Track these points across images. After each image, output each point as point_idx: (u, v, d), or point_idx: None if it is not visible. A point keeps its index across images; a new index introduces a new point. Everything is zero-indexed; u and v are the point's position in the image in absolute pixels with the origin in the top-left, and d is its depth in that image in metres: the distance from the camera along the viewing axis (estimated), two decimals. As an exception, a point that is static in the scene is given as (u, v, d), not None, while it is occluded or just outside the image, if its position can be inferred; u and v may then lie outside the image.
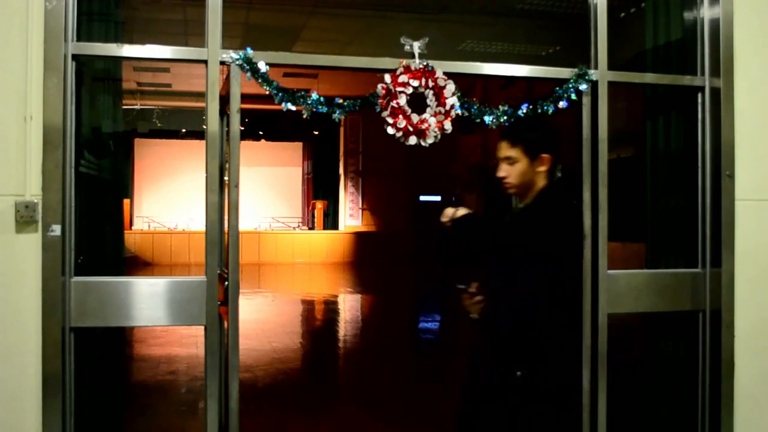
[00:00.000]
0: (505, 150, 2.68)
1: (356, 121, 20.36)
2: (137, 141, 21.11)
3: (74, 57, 2.88)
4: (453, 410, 4.98)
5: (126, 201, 18.32)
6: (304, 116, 3.11)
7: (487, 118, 3.25)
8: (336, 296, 12.81)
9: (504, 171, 2.70)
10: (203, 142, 3.01)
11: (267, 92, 3.02)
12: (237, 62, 2.99)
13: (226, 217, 3.06)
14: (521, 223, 2.73)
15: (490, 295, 2.64)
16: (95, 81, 3.10)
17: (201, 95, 3.09)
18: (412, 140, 3.08)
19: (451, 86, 3.13)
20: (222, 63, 3.00)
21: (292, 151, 23.89)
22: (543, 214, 2.67)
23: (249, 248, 18.38)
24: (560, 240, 2.63)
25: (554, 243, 2.60)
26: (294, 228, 22.62)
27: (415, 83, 3.08)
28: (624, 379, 3.66)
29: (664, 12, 3.58)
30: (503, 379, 2.56)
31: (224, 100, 3.07)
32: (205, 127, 3.01)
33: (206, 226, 3.01)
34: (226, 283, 3.03)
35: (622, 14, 4.14)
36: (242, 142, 3.05)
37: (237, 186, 2.99)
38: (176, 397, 5.47)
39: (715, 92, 3.44)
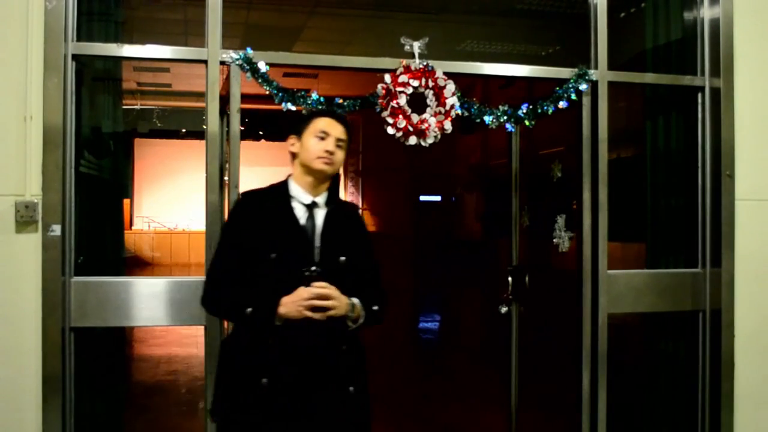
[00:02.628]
0: (342, 133, 2.40)
1: (356, 121, 20.33)
2: (137, 141, 21.05)
3: (74, 57, 2.89)
4: (452, 410, 4.99)
5: (126, 201, 18.31)
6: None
7: (487, 118, 3.25)
8: (336, 296, 12.78)
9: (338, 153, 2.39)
10: (203, 142, 3.01)
11: (267, 92, 3.03)
12: (237, 62, 2.99)
13: (226, 217, 3.06)
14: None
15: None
16: (95, 81, 3.10)
17: (201, 95, 3.10)
18: (412, 140, 3.08)
19: (451, 86, 3.13)
20: (222, 63, 3.00)
21: (293, 151, 23.87)
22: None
23: (249, 248, 18.35)
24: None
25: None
26: (294, 228, 22.57)
27: (415, 83, 3.08)
28: (624, 379, 3.66)
29: (664, 12, 3.58)
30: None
31: (224, 100, 3.07)
32: (205, 127, 3.01)
33: (206, 226, 3.01)
34: (226, 283, 3.03)
35: (622, 14, 4.13)
36: (242, 142, 3.05)
37: (237, 186, 3.00)
38: (176, 397, 5.47)
39: (715, 92, 3.44)
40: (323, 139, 2.35)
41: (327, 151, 2.34)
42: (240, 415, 2.23)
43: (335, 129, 2.38)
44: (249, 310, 2.21)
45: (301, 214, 2.36)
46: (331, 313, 2.22)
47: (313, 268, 2.24)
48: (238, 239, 2.32)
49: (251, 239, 2.29)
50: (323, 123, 2.38)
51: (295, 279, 2.22)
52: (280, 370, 2.22)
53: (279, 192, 2.40)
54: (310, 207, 2.37)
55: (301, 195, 2.37)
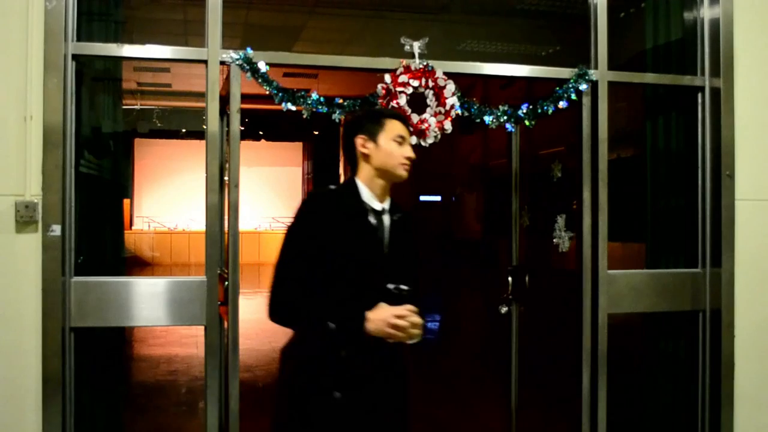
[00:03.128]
0: (406, 131, 2.30)
1: (356, 121, 20.32)
2: (137, 141, 21.08)
3: (74, 57, 2.89)
4: (452, 411, 4.99)
5: (126, 201, 18.31)
6: (304, 116, 3.11)
7: (487, 118, 3.25)
8: (336, 296, 12.79)
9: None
10: (203, 142, 3.01)
11: (267, 92, 3.03)
12: (237, 62, 2.99)
13: (226, 217, 3.07)
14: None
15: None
16: (95, 81, 3.10)
17: (201, 95, 3.10)
18: (412, 140, 3.08)
19: (451, 86, 3.14)
20: (222, 63, 3.00)
21: (292, 151, 23.88)
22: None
23: (249, 248, 18.36)
24: None
25: None
26: (294, 228, 22.57)
27: (415, 83, 3.08)
28: (624, 379, 3.66)
29: (664, 12, 3.58)
30: None
31: (224, 100, 3.07)
32: (205, 127, 3.01)
33: (206, 226, 3.01)
34: (226, 283, 3.03)
35: (622, 14, 4.13)
36: (242, 142, 3.05)
37: (237, 186, 3.00)
38: (176, 397, 5.47)
39: (715, 92, 3.44)
40: (401, 144, 2.23)
41: (408, 158, 2.23)
42: (310, 429, 2.13)
43: (407, 133, 2.28)
44: (333, 325, 2.07)
45: (372, 221, 2.22)
46: (414, 340, 2.10)
47: (403, 287, 2.14)
48: (309, 245, 2.13)
49: (323, 246, 2.12)
50: (400, 127, 2.26)
51: (374, 293, 2.12)
52: (353, 384, 2.12)
53: (350, 195, 2.22)
54: (380, 214, 2.24)
55: (372, 201, 2.23)
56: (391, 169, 2.22)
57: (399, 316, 2.06)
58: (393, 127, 2.24)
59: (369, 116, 2.31)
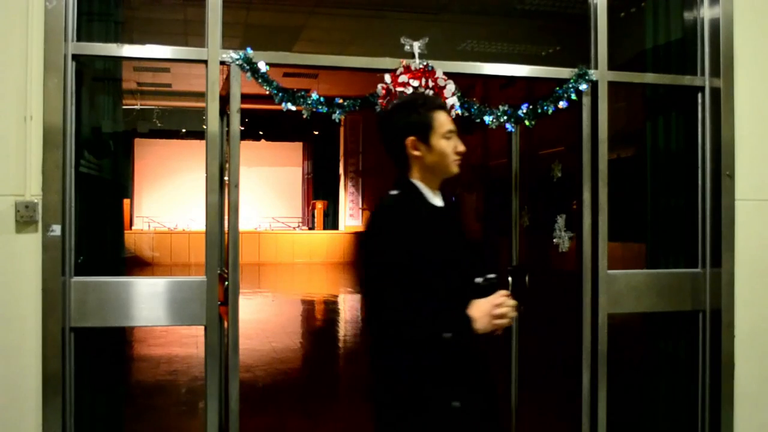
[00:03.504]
0: (452, 122, 2.22)
1: (356, 121, 20.35)
2: (137, 141, 21.10)
3: (74, 57, 2.88)
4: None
5: (126, 201, 18.31)
6: (304, 116, 3.11)
7: (487, 118, 3.25)
8: (336, 296, 12.80)
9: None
10: (203, 142, 3.01)
11: (267, 92, 3.03)
12: (237, 62, 2.99)
13: (226, 217, 3.07)
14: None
15: None
16: (95, 81, 3.10)
17: (201, 95, 3.10)
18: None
19: (451, 86, 3.14)
20: (222, 63, 3.00)
21: (292, 151, 23.90)
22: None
23: (249, 248, 18.38)
24: None
25: None
26: (294, 228, 22.61)
27: (415, 83, 3.08)
28: (624, 379, 3.66)
29: (664, 12, 3.58)
30: None
31: (224, 100, 3.07)
32: (205, 127, 3.01)
33: (206, 226, 3.01)
34: (226, 283, 3.03)
35: (622, 14, 4.14)
36: (242, 142, 3.05)
37: (237, 186, 3.00)
38: (176, 397, 5.47)
39: (715, 92, 3.44)
40: (450, 139, 2.14)
41: (459, 153, 2.15)
42: None
43: (453, 123, 2.19)
44: (448, 335, 2.01)
45: (444, 219, 2.17)
46: (511, 321, 2.05)
47: (490, 276, 2.10)
48: (407, 256, 2.02)
49: (419, 254, 2.03)
50: (447, 120, 2.16)
51: (465, 290, 2.07)
52: (470, 392, 2.07)
53: (419, 198, 2.15)
54: (443, 210, 2.19)
55: (433, 199, 2.17)
56: (445, 168, 2.16)
57: (498, 305, 2.02)
58: (442, 123, 2.14)
59: (412, 111, 2.17)
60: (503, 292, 2.04)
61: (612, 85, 3.38)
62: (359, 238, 2.19)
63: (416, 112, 2.16)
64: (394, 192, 2.15)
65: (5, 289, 2.76)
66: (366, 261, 2.07)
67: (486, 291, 2.07)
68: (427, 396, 2.04)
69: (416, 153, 2.13)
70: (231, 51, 3.00)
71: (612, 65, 3.40)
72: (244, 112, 3.03)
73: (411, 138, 2.13)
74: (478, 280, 2.10)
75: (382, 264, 2.03)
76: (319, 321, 10.22)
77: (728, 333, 3.38)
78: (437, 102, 2.23)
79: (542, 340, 4.58)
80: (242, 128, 3.08)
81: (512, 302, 2.04)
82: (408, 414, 2.04)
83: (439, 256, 2.07)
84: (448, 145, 2.14)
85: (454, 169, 2.17)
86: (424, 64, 3.12)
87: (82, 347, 2.91)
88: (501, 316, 2.01)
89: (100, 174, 3.10)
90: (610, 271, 3.34)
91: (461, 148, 2.16)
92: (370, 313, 2.09)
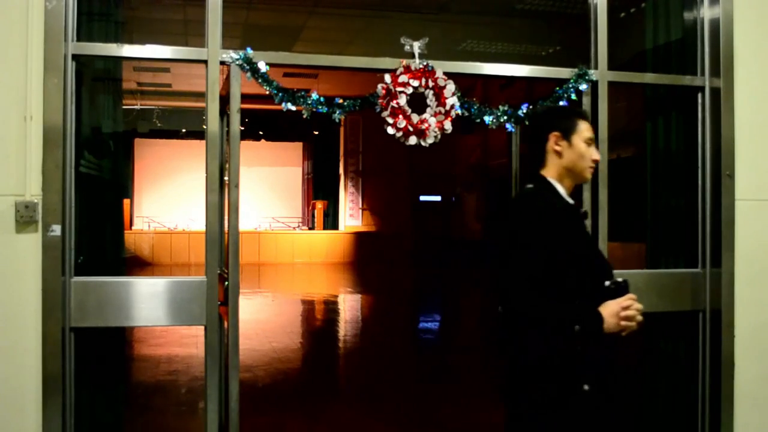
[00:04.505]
0: (593, 133, 2.34)
1: (356, 121, 20.36)
2: (137, 141, 21.12)
3: (74, 57, 2.88)
4: (452, 411, 5.00)
5: (126, 201, 18.32)
6: (304, 116, 3.11)
7: (487, 118, 3.25)
8: (336, 296, 12.80)
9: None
10: (203, 142, 3.01)
11: (267, 92, 3.03)
12: (237, 62, 2.99)
13: (226, 217, 3.07)
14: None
15: None
16: (95, 81, 3.10)
17: (201, 95, 3.10)
18: (412, 140, 3.08)
19: (451, 86, 3.14)
20: (222, 63, 3.00)
21: (292, 151, 23.90)
22: None
23: (249, 248, 18.38)
24: None
25: None
26: (294, 228, 22.62)
27: (415, 83, 3.08)
28: (624, 379, 3.66)
29: (664, 12, 3.58)
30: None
31: (224, 100, 3.07)
32: (205, 127, 3.01)
33: (206, 226, 3.01)
34: (226, 283, 3.03)
35: (622, 14, 4.14)
36: (242, 142, 3.05)
37: (237, 186, 2.99)
38: (176, 397, 5.47)
39: (715, 92, 3.44)
40: (589, 146, 2.28)
41: (594, 161, 2.29)
42: (560, 424, 2.14)
43: (593, 135, 2.33)
44: (577, 327, 2.10)
45: (580, 218, 2.30)
46: (637, 324, 2.15)
47: (619, 279, 2.17)
48: (547, 245, 2.12)
49: (559, 246, 2.13)
50: (589, 129, 2.30)
51: (595, 289, 2.16)
52: (599, 376, 2.16)
53: (553, 192, 2.25)
54: (578, 210, 2.32)
55: (568, 199, 2.28)
56: (580, 171, 2.28)
57: (626, 307, 2.11)
58: (584, 129, 2.29)
59: (562, 113, 2.40)
60: (631, 295, 2.14)
61: (612, 85, 3.38)
62: (495, 222, 2.27)
63: (564, 113, 2.40)
64: (530, 186, 2.28)
65: (5, 289, 2.75)
66: (506, 244, 2.17)
67: (613, 294, 2.15)
68: (558, 379, 2.13)
69: (557, 148, 2.26)
70: (231, 51, 3.00)
71: (612, 65, 3.40)
72: (244, 112, 3.03)
73: (555, 133, 2.26)
74: (607, 283, 2.18)
75: (523, 247, 2.13)
76: (318, 321, 10.22)
77: (728, 333, 3.38)
78: (585, 113, 2.41)
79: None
80: (242, 128, 3.08)
81: (639, 306, 2.14)
82: (540, 396, 2.14)
83: (573, 247, 2.18)
84: (587, 150, 2.27)
85: (588, 174, 2.30)
86: (424, 64, 3.12)
87: (82, 347, 2.91)
88: (629, 318, 2.11)
89: (100, 174, 3.10)
90: (610, 271, 3.33)
91: (597, 156, 2.29)
92: (504, 294, 2.16)
